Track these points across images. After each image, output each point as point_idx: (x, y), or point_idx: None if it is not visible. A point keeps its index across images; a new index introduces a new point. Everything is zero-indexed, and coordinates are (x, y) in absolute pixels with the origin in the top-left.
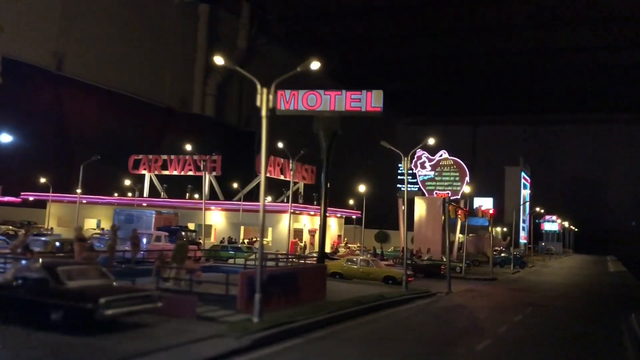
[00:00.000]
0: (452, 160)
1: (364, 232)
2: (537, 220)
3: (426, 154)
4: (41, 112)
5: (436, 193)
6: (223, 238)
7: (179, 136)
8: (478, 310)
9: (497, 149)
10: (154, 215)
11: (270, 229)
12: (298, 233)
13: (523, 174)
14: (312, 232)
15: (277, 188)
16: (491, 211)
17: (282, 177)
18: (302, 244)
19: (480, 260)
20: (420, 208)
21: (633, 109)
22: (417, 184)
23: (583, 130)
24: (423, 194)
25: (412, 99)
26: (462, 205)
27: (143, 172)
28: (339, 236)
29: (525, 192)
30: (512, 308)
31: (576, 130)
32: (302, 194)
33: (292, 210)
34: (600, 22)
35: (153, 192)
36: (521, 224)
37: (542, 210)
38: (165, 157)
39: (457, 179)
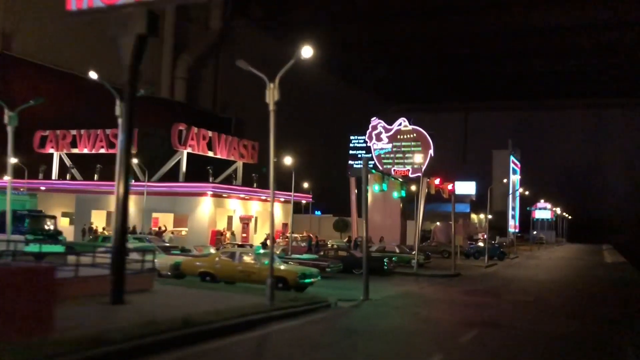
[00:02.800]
0: (413, 129)
1: (321, 220)
2: (528, 208)
3: (382, 123)
4: None
5: (394, 170)
6: (130, 227)
7: (145, 122)
8: (369, 345)
9: (489, 136)
10: None
11: (189, 216)
12: (227, 221)
13: (512, 157)
14: (244, 220)
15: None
16: (450, 187)
17: (210, 154)
18: (229, 234)
19: (452, 251)
20: (374, 188)
21: (628, 93)
22: (372, 159)
23: (577, 116)
24: (379, 171)
25: (402, 85)
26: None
27: (50, 150)
28: (285, 224)
29: (515, 178)
30: (441, 334)
31: (570, 115)
32: (234, 176)
33: (212, 192)
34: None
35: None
36: (510, 212)
37: (537, 197)
38: (74, 132)
39: (419, 151)
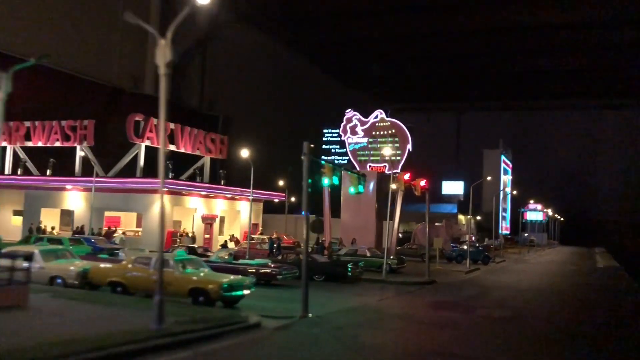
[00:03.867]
0: (391, 122)
1: (298, 221)
2: (520, 210)
3: (358, 116)
4: None
5: (370, 166)
6: (77, 227)
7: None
8: None
9: (482, 137)
10: None
11: (141, 215)
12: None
13: (503, 157)
14: (207, 220)
15: (182, 164)
16: (422, 183)
17: (173, 148)
18: (190, 233)
19: (432, 254)
20: (348, 187)
21: (622, 94)
22: (347, 154)
23: (571, 117)
24: (354, 168)
25: (394, 85)
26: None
27: (4, 143)
28: (255, 225)
29: (506, 178)
30: None
31: (564, 116)
32: (198, 172)
33: (167, 189)
34: None
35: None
36: (501, 213)
37: (529, 198)
38: (29, 124)
39: (397, 146)
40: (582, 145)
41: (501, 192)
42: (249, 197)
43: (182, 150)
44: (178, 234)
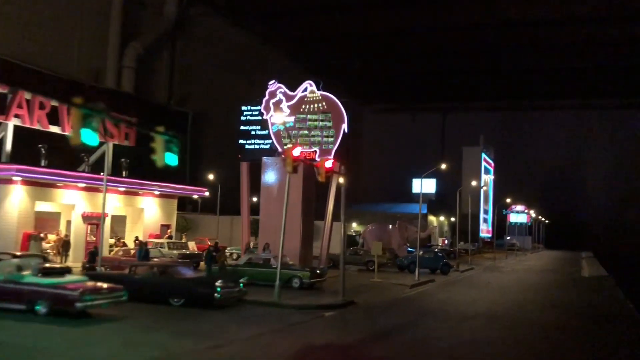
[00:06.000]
0: (322, 96)
1: (235, 222)
2: (504, 211)
3: (283, 89)
4: None
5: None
6: None
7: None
8: None
9: (469, 137)
10: None
11: None
12: (51, 221)
13: (484, 155)
14: (90, 220)
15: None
16: (328, 164)
17: (56, 129)
18: (61, 237)
19: (379, 261)
20: (268, 176)
21: (610, 94)
22: (270, 137)
23: (557, 117)
24: (278, 154)
25: (378, 85)
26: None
27: None
28: (165, 226)
29: (488, 177)
30: None
31: (550, 116)
32: (87, 161)
33: (23, 178)
34: None
35: None
36: (482, 215)
37: (508, 200)
38: None
39: (329, 126)
40: (568, 145)
41: (482, 192)
42: (155, 192)
43: (68, 133)
44: (40, 236)
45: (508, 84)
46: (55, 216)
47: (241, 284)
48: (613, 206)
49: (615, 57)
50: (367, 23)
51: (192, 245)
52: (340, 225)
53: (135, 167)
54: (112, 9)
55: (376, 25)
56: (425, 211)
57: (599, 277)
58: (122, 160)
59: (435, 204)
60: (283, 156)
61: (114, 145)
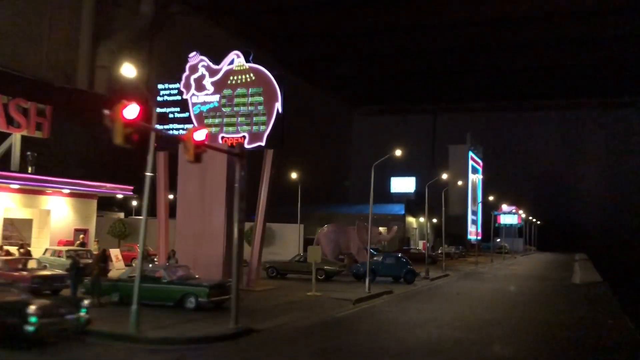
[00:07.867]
0: (251, 68)
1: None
2: (494, 213)
3: (206, 62)
4: None
5: (222, 137)
6: None
7: (61, 115)
8: None
9: (460, 137)
10: None
11: None
12: None
13: (471, 154)
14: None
15: None
16: (200, 136)
17: None
18: None
19: (331, 269)
20: (184, 169)
21: (603, 94)
22: (191, 120)
23: (549, 117)
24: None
25: (368, 87)
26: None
27: None
28: (81, 230)
29: (476, 177)
30: None
31: (542, 116)
32: None
33: None
34: None
35: None
36: (471, 217)
37: (497, 200)
38: None
39: (260, 105)
40: (561, 145)
41: (469, 192)
42: (63, 191)
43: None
44: None
45: (499, 84)
46: None
47: (84, 310)
48: (607, 206)
49: (610, 57)
50: (353, 22)
51: (115, 254)
52: (298, 228)
53: (49, 162)
54: (84, 7)
55: (362, 25)
56: (402, 212)
57: (592, 283)
58: (29, 153)
59: (415, 204)
60: (183, 141)
61: (23, 136)
